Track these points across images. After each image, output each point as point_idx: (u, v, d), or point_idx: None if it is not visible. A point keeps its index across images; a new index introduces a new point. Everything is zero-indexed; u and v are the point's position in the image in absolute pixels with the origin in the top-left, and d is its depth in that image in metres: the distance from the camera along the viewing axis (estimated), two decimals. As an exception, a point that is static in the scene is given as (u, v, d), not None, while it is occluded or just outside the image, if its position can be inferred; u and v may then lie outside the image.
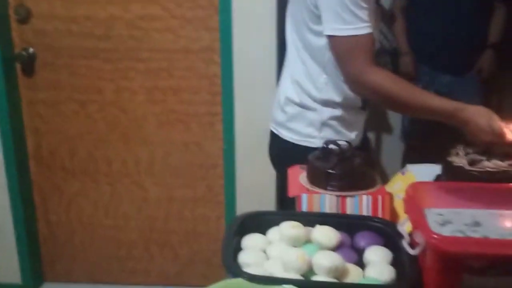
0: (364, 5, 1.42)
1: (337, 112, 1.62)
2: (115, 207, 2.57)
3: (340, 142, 1.38)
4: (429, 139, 2.46)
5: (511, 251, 0.88)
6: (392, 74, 1.48)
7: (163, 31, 2.34)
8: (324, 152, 1.39)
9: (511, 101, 2.79)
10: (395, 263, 1.07)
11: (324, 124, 1.63)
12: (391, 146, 2.95)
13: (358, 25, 1.42)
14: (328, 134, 1.62)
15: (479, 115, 1.35)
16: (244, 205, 2.40)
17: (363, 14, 1.42)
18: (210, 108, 2.40)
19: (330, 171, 1.31)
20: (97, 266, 2.66)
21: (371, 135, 2.79)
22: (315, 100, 1.62)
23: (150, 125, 2.46)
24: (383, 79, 1.44)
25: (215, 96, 2.38)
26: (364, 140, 1.82)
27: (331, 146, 1.38)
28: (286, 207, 1.38)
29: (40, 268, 2.68)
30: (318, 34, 1.52)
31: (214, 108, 2.40)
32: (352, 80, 1.49)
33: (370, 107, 1.73)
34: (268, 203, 2.34)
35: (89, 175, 2.54)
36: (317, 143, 1.57)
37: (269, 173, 1.99)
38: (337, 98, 1.59)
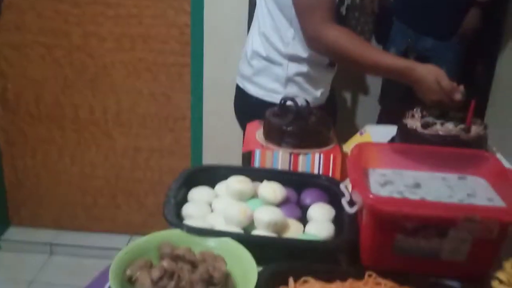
0: None
1: (303, 68, 1.60)
2: (81, 155, 2.56)
3: (298, 100, 1.36)
4: (404, 101, 2.46)
5: (442, 213, 0.89)
6: (348, 32, 1.47)
7: (134, -23, 2.27)
8: (282, 109, 1.38)
9: (494, 69, 2.78)
10: (337, 220, 1.08)
11: (289, 80, 1.62)
12: (368, 107, 2.95)
13: None
14: (293, 90, 1.61)
15: (428, 74, 1.34)
16: (211, 158, 2.40)
17: None
18: (179, 59, 2.36)
19: (285, 128, 1.31)
20: (63, 212, 2.66)
21: (347, 95, 2.78)
22: (281, 54, 1.60)
23: (118, 73, 2.41)
24: (337, 36, 1.42)
25: (184, 46, 2.33)
26: (331, 99, 1.81)
27: (289, 103, 1.37)
28: (246, 162, 1.39)
29: (6, 212, 2.68)
30: None
31: (183, 59, 2.35)
32: (309, 36, 1.47)
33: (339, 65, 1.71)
34: (234, 157, 2.33)
35: (55, 121, 2.51)
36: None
37: (236, 127, 1.98)
38: (304, 54, 1.57)
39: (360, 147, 1.09)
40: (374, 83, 2.88)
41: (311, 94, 1.61)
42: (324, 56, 1.57)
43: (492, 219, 0.88)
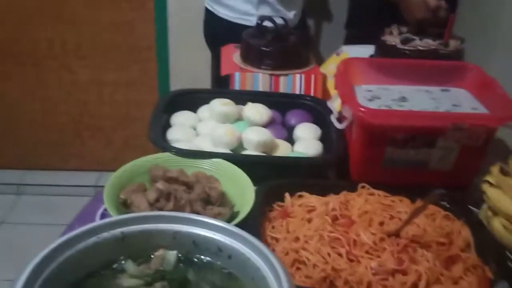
0: None
1: None
2: (42, 91, 2.45)
3: (275, 19, 1.32)
4: (370, 27, 2.44)
5: (430, 123, 0.90)
6: None
7: None
8: (259, 29, 1.34)
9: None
10: (323, 139, 1.09)
11: (262, 1, 1.57)
12: (331, 33, 2.92)
13: None
14: (266, 11, 1.56)
15: None
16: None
17: None
18: (141, -16, 2.24)
19: (264, 48, 1.28)
20: (27, 151, 2.58)
21: (310, 22, 2.73)
22: None
23: (77, 2, 2.27)
24: None
25: (145, -29, 2.21)
26: (303, 21, 1.78)
27: (266, 23, 1.33)
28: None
29: (-32, 154, 2.58)
30: None
31: (145, -16, 2.23)
32: None
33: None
34: (204, 86, 2.30)
35: (12, 56, 2.37)
36: (253, 21, 1.51)
37: (204, 54, 1.93)
38: None
39: (346, 63, 1.08)
40: (339, 10, 2.84)
41: (283, 16, 1.57)
42: None
43: (478, 126, 0.90)
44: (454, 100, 1.03)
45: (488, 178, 0.86)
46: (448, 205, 0.87)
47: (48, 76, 2.41)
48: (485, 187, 0.85)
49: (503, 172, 0.88)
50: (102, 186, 0.87)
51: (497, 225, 0.82)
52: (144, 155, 0.97)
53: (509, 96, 0.96)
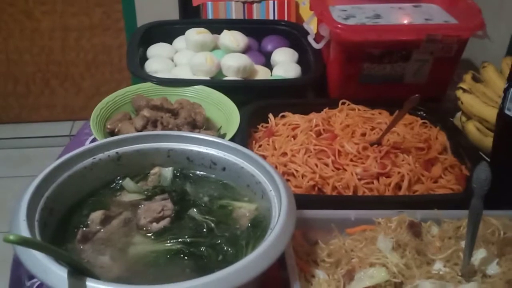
0: None
1: None
2: (4, 41, 2.35)
3: None
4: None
5: (405, 36, 0.93)
6: None
7: None
8: (227, -42, 1.31)
9: None
10: (301, 62, 1.10)
11: None
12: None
13: None
14: None
15: None
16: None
17: None
18: None
19: (235, -24, 1.26)
20: (-5, 105, 2.52)
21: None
22: None
23: None
24: None
25: None
26: None
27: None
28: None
29: None
30: None
31: None
32: None
33: None
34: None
35: (-34, 5, 2.26)
36: None
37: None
38: None
39: (320, -17, 1.07)
40: None
41: None
42: None
43: (451, 36, 0.93)
44: (426, 15, 1.05)
45: (462, 85, 0.90)
46: (424, 114, 0.91)
47: (8, 24, 2.32)
48: (459, 93, 0.89)
49: (475, 79, 0.93)
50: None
51: (471, 128, 0.87)
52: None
53: (477, 7, 0.98)
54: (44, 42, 2.38)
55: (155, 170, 0.68)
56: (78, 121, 2.59)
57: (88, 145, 0.65)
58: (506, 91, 0.69)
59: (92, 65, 2.46)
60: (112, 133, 0.87)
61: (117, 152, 0.66)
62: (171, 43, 1.16)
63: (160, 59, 1.09)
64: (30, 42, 2.37)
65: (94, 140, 0.86)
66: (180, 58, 1.10)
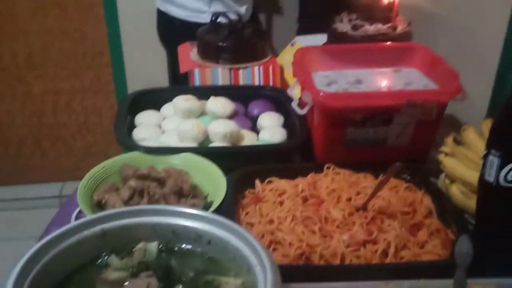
0: None
1: None
2: (-4, 105, 2.39)
3: (229, 15, 1.35)
4: (321, 18, 2.50)
5: (386, 102, 0.95)
6: None
7: None
8: (214, 25, 1.36)
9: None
10: (286, 126, 1.13)
11: None
12: (283, 26, 2.96)
13: None
14: (218, 8, 1.59)
15: None
16: (137, 92, 2.34)
17: None
18: (88, -11, 2.21)
19: (221, 44, 1.30)
20: (-14, 168, 2.51)
21: (263, 16, 2.76)
22: None
23: (23, 12, 2.23)
24: None
25: (92, -26, 2.19)
26: (254, 15, 1.81)
27: (221, 19, 1.36)
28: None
29: None
30: None
31: (92, -11, 2.21)
32: None
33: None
34: (161, 86, 2.29)
35: (-40, 71, 2.30)
36: (207, 18, 1.53)
37: (160, 54, 1.93)
38: None
39: (302, 51, 1.12)
40: (290, 3, 2.90)
41: (236, 11, 1.60)
42: None
43: (430, 101, 0.96)
44: (406, 79, 1.09)
45: (444, 148, 0.92)
46: (409, 177, 0.93)
47: (0, 89, 2.36)
48: (442, 156, 0.91)
49: (457, 141, 0.95)
50: (67, 196, 0.87)
51: (455, 190, 0.88)
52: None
53: (455, 71, 1.02)
54: (36, 105, 2.41)
55: (141, 245, 0.68)
56: (68, 182, 2.59)
57: (73, 222, 0.65)
58: (485, 157, 0.71)
59: (83, 126, 2.49)
60: (99, 204, 0.87)
61: (102, 229, 0.66)
62: (159, 110, 1.18)
63: (148, 126, 1.11)
64: (22, 105, 2.41)
65: (81, 211, 0.87)
66: (167, 125, 1.12)
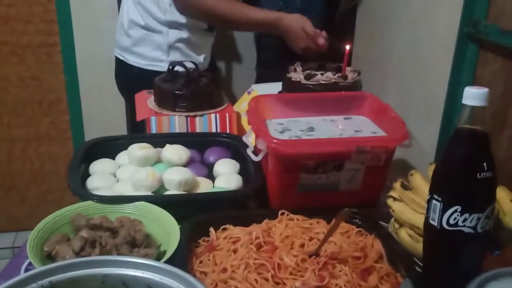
0: None
1: (184, 34, 1.61)
2: None
3: (186, 64, 1.38)
4: (277, 67, 2.58)
5: (337, 148, 0.99)
6: None
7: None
8: (171, 74, 1.39)
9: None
10: (242, 172, 1.14)
11: (171, 47, 1.62)
12: (242, 75, 3.03)
13: None
14: (176, 57, 1.62)
15: (295, 22, 1.48)
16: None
17: None
18: (47, 38, 2.22)
19: (178, 92, 1.32)
20: None
21: (221, 64, 2.82)
22: (160, 22, 1.59)
23: (-22, 59, 2.21)
24: (214, 4, 1.47)
25: (50, 24, 2.19)
26: (212, 63, 1.85)
27: (178, 68, 1.38)
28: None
29: None
30: None
31: (51, 38, 2.22)
32: (181, 4, 1.50)
33: (218, 31, 1.75)
34: (120, 133, 2.28)
35: None
36: (165, 66, 1.55)
37: (118, 102, 1.94)
38: (183, 19, 1.58)
39: (257, 99, 1.15)
40: (248, 52, 2.98)
41: (194, 60, 1.63)
42: (198, 20, 1.60)
43: (379, 147, 0.99)
44: (356, 126, 1.13)
45: (392, 193, 0.95)
46: (360, 222, 0.95)
47: (-49, 137, 2.30)
48: (390, 201, 0.94)
49: (404, 187, 0.98)
50: (19, 247, 0.85)
51: (403, 234, 0.91)
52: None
53: (401, 119, 1.07)
54: (-11, 153, 2.36)
55: (90, 297, 0.66)
56: (21, 232, 2.51)
57: (20, 275, 0.64)
58: (428, 202, 0.74)
59: (38, 174, 2.44)
60: (49, 255, 0.85)
61: (50, 281, 0.65)
62: (114, 158, 1.18)
63: (102, 175, 1.10)
64: (-26, 154, 2.34)
65: (31, 263, 0.84)
66: (122, 173, 1.12)
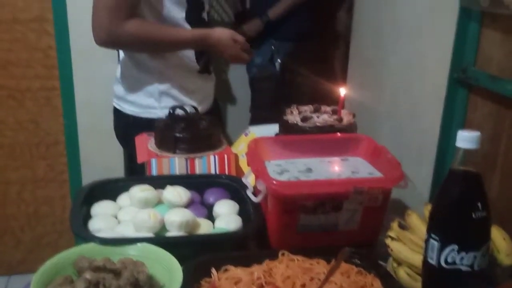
0: None
1: (175, 79, 1.61)
2: None
3: (186, 108, 1.42)
4: (271, 109, 2.64)
5: (335, 189, 1.01)
6: (142, 20, 1.50)
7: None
8: (171, 118, 1.42)
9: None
10: (241, 213, 1.16)
11: (162, 93, 1.62)
12: (237, 116, 3.09)
13: None
14: (169, 103, 1.61)
15: (223, 34, 1.56)
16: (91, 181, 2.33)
17: None
18: (46, 83, 2.26)
19: (178, 135, 1.35)
20: None
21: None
22: (149, 68, 1.60)
23: (-23, 103, 2.24)
24: (132, 27, 1.46)
25: (51, 69, 2.24)
26: (215, 105, 1.85)
27: (178, 111, 1.42)
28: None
29: None
30: None
31: (51, 83, 2.26)
32: (102, 33, 1.47)
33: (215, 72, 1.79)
34: (117, 176, 2.30)
35: None
36: (158, 113, 1.58)
37: (116, 146, 1.96)
38: (172, 65, 1.59)
39: (256, 142, 1.18)
40: (243, 95, 3.05)
41: (187, 105, 1.62)
42: (125, 50, 1.61)
43: (376, 188, 1.02)
44: (353, 168, 1.16)
45: (390, 233, 0.97)
46: (359, 262, 0.96)
47: None
48: (388, 241, 0.96)
49: (401, 226, 1.00)
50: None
51: (402, 273, 0.92)
52: (56, 253, 0.95)
53: (397, 160, 1.10)
54: (-16, 197, 2.36)
55: (96, 339, 0.67)
56: (14, 276, 2.48)
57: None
58: (426, 241, 0.76)
59: (33, 217, 2.43)
60: (52, 298, 0.85)
61: (57, 323, 0.66)
62: (115, 200, 1.19)
63: (104, 217, 1.11)
64: (-31, 196, 2.34)
65: (32, 306, 0.84)
66: (124, 215, 1.13)
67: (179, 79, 1.62)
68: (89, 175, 2.34)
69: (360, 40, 2.02)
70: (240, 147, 1.54)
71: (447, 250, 0.73)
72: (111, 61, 2.03)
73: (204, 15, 1.65)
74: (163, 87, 1.61)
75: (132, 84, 1.63)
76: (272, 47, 2.85)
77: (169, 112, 1.41)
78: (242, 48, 1.59)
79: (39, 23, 2.19)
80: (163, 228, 1.08)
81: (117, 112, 1.72)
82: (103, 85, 2.11)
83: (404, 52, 1.60)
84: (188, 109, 1.40)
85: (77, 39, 2.18)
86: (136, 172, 1.44)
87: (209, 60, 1.70)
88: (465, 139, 0.70)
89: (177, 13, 1.55)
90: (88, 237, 1.00)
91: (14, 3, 2.16)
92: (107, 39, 1.47)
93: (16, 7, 2.17)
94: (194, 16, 1.59)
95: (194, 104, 1.67)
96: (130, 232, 1.06)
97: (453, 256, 0.72)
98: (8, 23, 2.18)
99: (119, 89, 1.67)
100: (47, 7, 2.17)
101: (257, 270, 0.91)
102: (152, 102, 1.62)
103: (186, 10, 1.55)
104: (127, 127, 1.69)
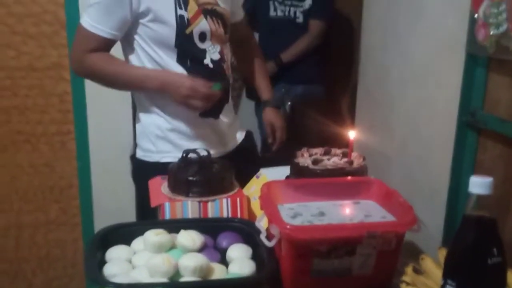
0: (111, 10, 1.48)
1: (172, 123, 1.62)
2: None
3: (199, 151, 1.44)
4: (282, 152, 2.68)
5: (348, 234, 1.02)
6: (107, 55, 1.55)
7: (4, 47, 2.21)
8: (184, 161, 1.44)
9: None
10: (255, 257, 1.16)
11: (158, 138, 1.63)
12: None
13: (84, 18, 1.51)
14: (166, 147, 1.63)
15: (175, 75, 1.53)
16: (104, 224, 2.33)
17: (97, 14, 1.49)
18: (61, 127, 2.31)
19: (191, 178, 1.37)
20: None
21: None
22: (147, 112, 1.63)
23: (-6, 147, 2.29)
24: (94, 60, 1.53)
25: (66, 114, 2.30)
26: (250, 139, 1.88)
27: (191, 155, 1.44)
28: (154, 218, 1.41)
29: None
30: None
31: (65, 127, 2.31)
32: (72, 62, 1.60)
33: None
34: (129, 220, 2.31)
35: None
36: (154, 157, 1.61)
37: (128, 188, 1.98)
38: (168, 109, 1.60)
39: (269, 185, 1.19)
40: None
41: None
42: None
43: (389, 232, 1.02)
44: (365, 211, 1.16)
45: (405, 278, 0.97)
46: (374, 307, 0.96)
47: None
48: (403, 286, 0.95)
49: (416, 271, 1.00)
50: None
51: (418, 319, 0.92)
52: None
53: (409, 204, 1.10)
54: (-3, 240, 2.37)
55: None
56: (24, 321, 2.46)
57: None
58: (442, 287, 0.76)
59: (44, 261, 2.43)
60: None
61: None
62: (129, 244, 1.20)
63: (118, 262, 1.12)
64: (-18, 241, 2.35)
65: None
66: (138, 259, 1.13)
67: (178, 124, 1.62)
68: (101, 218, 2.36)
69: (368, 83, 2.06)
70: (252, 189, 1.55)
71: (463, 295, 0.73)
72: (126, 102, 2.07)
73: (207, 61, 1.62)
74: (159, 131, 1.62)
75: (139, 128, 1.67)
76: (283, 89, 2.90)
77: (182, 156, 1.44)
78: (199, 97, 1.51)
79: (56, 70, 2.26)
80: (176, 273, 1.08)
81: (133, 157, 1.75)
82: (117, 125, 2.15)
83: (412, 97, 1.63)
84: (201, 152, 1.42)
85: (92, 84, 2.23)
86: (148, 216, 1.45)
87: (218, 104, 1.67)
88: (478, 184, 0.71)
89: (167, 58, 1.56)
90: (104, 283, 1.00)
91: (31, 51, 2.24)
92: (75, 68, 1.60)
93: (33, 55, 2.24)
94: (192, 63, 1.57)
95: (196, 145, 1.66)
96: (144, 277, 1.06)
97: (469, 302, 0.72)
98: (26, 71, 2.25)
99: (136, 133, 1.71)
100: (63, 54, 2.24)
101: (272, 316, 0.91)
102: (150, 146, 1.64)
103: (176, 53, 1.56)
104: (135, 169, 1.72)
